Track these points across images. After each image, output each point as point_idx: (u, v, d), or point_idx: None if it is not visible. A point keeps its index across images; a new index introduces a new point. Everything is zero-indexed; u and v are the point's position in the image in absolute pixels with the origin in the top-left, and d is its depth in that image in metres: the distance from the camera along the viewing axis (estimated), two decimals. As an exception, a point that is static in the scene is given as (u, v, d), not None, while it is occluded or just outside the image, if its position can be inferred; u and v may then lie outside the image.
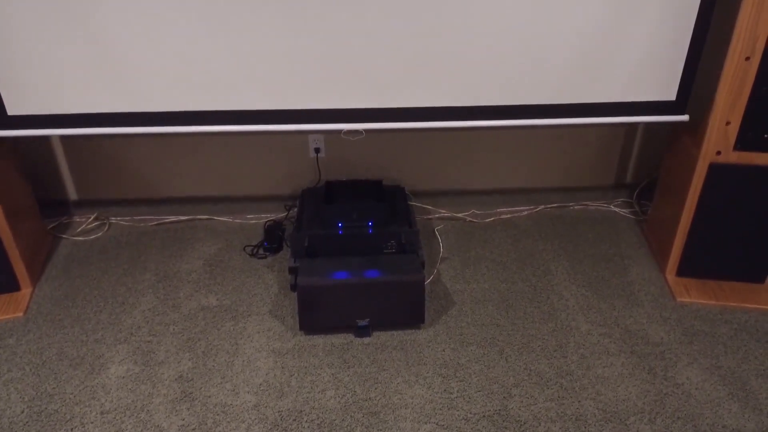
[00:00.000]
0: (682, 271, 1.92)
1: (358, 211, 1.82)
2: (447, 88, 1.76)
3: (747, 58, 1.58)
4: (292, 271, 1.71)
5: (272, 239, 2.04)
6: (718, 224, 1.81)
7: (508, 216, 2.31)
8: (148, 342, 1.65)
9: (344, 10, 1.59)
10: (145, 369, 1.56)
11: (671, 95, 1.82)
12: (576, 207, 2.38)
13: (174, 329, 1.70)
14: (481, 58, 1.71)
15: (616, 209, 2.35)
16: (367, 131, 2.14)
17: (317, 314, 1.63)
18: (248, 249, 2.05)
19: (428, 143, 2.24)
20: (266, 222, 2.18)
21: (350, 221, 1.81)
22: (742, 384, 1.52)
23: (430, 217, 2.29)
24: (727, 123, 1.68)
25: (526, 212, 2.34)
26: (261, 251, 2.03)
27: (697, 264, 1.90)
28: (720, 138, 1.70)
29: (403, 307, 1.65)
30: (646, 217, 2.24)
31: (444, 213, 2.30)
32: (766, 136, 1.67)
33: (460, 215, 2.29)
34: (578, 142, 2.31)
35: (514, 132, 2.27)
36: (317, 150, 2.18)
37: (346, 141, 2.16)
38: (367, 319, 1.64)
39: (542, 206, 2.37)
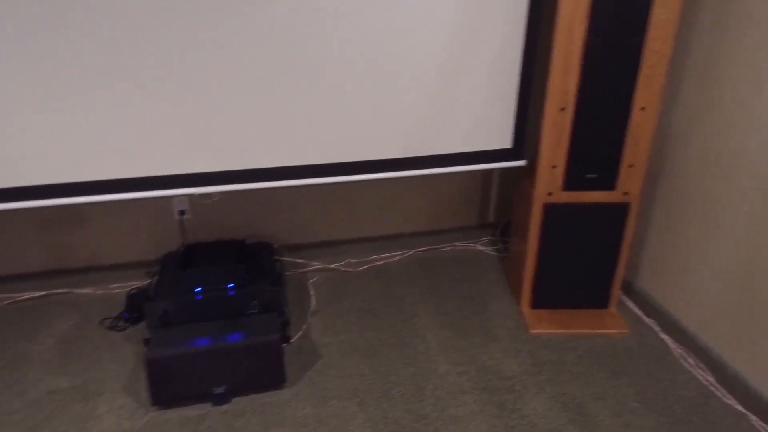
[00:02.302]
0: (536, 304, 2.06)
1: (218, 273, 1.81)
2: (303, 148, 1.82)
3: (562, 109, 1.76)
4: (146, 342, 1.66)
5: (133, 309, 1.98)
6: (560, 258, 1.97)
7: (382, 262, 2.38)
8: (-16, 437, 1.53)
9: (194, 76, 1.62)
10: (-24, 468, 1.44)
11: (508, 143, 1.99)
12: (445, 248, 2.50)
13: (17, 418, 1.59)
14: (335, 119, 1.80)
15: (482, 248, 2.49)
16: (238, 191, 2.15)
17: (170, 386, 1.58)
18: (107, 322, 1.97)
19: (301, 197, 2.29)
20: (129, 291, 2.11)
21: (209, 285, 1.80)
22: (582, 409, 1.63)
23: (304, 270, 2.31)
24: (554, 167, 1.84)
25: (398, 257, 2.42)
26: (121, 323, 1.96)
27: (548, 295, 2.04)
28: (549, 180, 1.86)
29: (262, 369, 1.64)
30: (508, 253, 2.38)
31: (317, 265, 2.33)
32: (587, 176, 1.85)
33: (333, 266, 2.33)
34: (442, 187, 2.44)
35: (383, 182, 2.37)
36: (182, 212, 2.15)
37: (216, 201, 2.16)
38: (224, 386, 1.62)
39: (413, 250, 2.47)
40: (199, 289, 1.79)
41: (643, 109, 1.72)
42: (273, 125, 1.76)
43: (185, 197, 2.13)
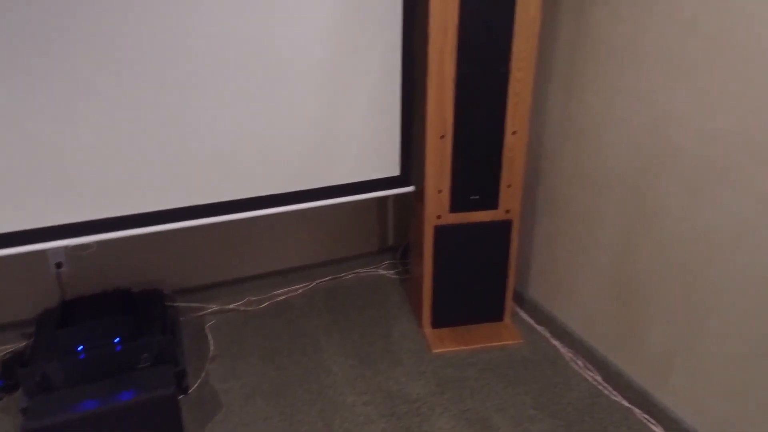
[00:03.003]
0: (436, 323, 2.12)
1: (102, 328, 1.70)
2: (187, 189, 1.76)
3: (442, 137, 1.84)
4: (24, 412, 1.52)
5: (8, 376, 1.80)
6: (454, 276, 2.04)
7: (284, 297, 2.35)
8: None
9: (62, 122, 1.53)
10: None
11: (396, 171, 2.04)
12: (348, 276, 2.51)
13: None
14: (218, 157, 1.76)
15: (383, 272, 2.53)
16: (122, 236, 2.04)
17: (52, 459, 1.45)
18: (-23, 394, 1.78)
19: (192, 237, 2.21)
20: (2, 356, 1.93)
21: (93, 342, 1.68)
22: (485, 422, 1.69)
23: (201, 314, 2.22)
24: (439, 191, 1.92)
25: (301, 290, 2.40)
26: (-6, 394, 1.78)
27: (447, 314, 2.11)
28: (437, 204, 1.94)
29: (159, 426, 1.55)
30: (408, 275, 2.44)
31: (214, 307, 2.25)
32: (471, 198, 1.95)
33: (232, 306, 2.27)
34: (339, 215, 2.46)
35: (280, 215, 2.34)
36: (59, 265, 2.00)
37: (99, 250, 2.03)
38: (115, 450, 1.51)
39: (317, 281, 2.46)
40: (82, 347, 1.66)
41: (514, 133, 1.84)
42: (151, 167, 1.69)
43: (60, 249, 1.98)
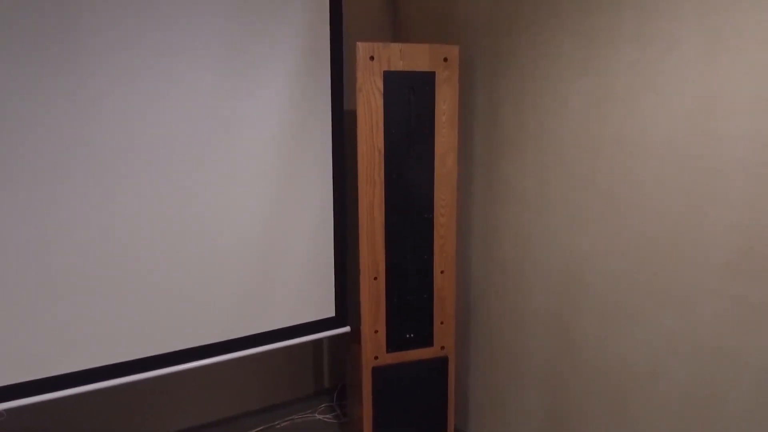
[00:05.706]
0: (380, 471, 2.03)
1: None
2: (105, 347, 1.69)
3: (375, 278, 1.92)
4: None
5: None
6: (395, 417, 2.01)
7: (213, 455, 2.19)
8: None
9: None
10: None
11: (332, 313, 2.07)
12: (283, 424, 2.39)
13: None
14: (147, 311, 1.71)
15: (320, 416, 2.44)
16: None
17: None
18: None
19: (108, 394, 2.06)
20: None
21: None
22: None
23: (121, 482, 2.01)
24: (376, 331, 1.95)
25: (232, 444, 2.25)
26: None
27: (390, 460, 2.04)
28: (374, 345, 1.96)
29: None
30: (346, 418, 2.36)
31: (137, 473, 2.06)
32: (407, 336, 1.99)
33: (156, 471, 2.08)
34: (273, 359, 2.40)
35: (205, 367, 2.25)
36: (-43, 441, 1.79)
37: (6, 418, 1.84)
38: None
39: (249, 433, 2.32)
40: None
41: (442, 272, 1.95)
42: (68, 325, 1.62)
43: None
